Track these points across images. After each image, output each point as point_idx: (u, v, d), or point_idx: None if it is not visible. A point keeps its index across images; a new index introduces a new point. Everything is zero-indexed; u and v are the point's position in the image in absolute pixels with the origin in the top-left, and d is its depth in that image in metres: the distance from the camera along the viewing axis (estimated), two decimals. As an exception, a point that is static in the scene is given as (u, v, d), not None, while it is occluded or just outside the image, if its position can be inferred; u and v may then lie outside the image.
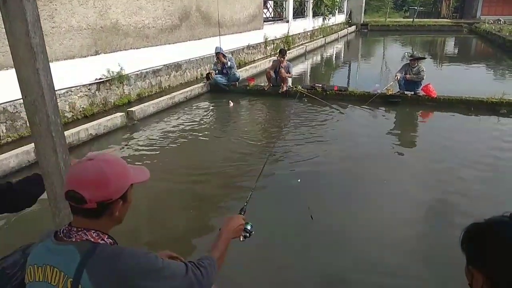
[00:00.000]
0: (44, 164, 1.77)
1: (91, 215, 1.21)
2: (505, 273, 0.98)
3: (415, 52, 8.37)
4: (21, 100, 5.60)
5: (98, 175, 1.18)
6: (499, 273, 0.99)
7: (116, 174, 1.22)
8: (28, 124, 5.94)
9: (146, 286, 1.14)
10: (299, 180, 4.47)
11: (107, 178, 1.19)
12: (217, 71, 9.39)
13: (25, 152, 5.07)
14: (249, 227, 1.62)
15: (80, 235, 1.19)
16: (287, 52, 10.77)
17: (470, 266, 1.07)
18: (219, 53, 9.24)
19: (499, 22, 26.91)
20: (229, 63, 9.28)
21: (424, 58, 8.44)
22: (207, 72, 9.81)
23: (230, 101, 8.54)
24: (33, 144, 5.21)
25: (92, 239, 1.19)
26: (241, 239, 1.61)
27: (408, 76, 8.00)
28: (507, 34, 19.84)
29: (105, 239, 1.22)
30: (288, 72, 9.03)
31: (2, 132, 5.75)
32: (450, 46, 22.69)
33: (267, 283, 2.92)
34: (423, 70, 7.95)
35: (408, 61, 8.18)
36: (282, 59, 9.01)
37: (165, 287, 1.18)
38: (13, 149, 5.09)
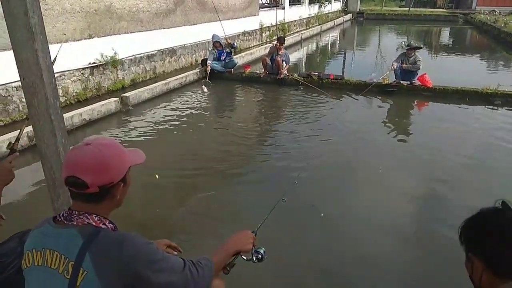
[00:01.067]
0: (43, 148, 1.74)
1: (92, 200, 1.20)
2: (503, 258, 1.00)
3: (412, 42, 8.30)
4: (14, 84, 5.53)
5: (98, 159, 1.17)
6: (497, 258, 1.02)
7: (116, 157, 1.21)
8: (20, 108, 5.88)
9: (145, 274, 1.14)
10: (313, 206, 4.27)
11: (107, 162, 1.18)
12: (213, 59, 9.27)
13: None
14: (262, 251, 1.60)
15: (82, 219, 1.18)
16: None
17: (470, 253, 1.09)
18: (216, 42, 9.12)
19: (495, 13, 26.88)
20: (235, 44, 9.23)
21: (421, 47, 8.42)
22: (202, 58, 9.69)
23: (203, 86, 8.39)
24: (26, 128, 5.14)
25: (94, 223, 1.19)
26: (254, 260, 1.58)
27: (404, 65, 7.99)
28: (502, 25, 19.85)
29: (107, 224, 1.22)
30: (285, 62, 8.95)
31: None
32: (446, 36, 22.68)
33: (264, 269, 2.93)
34: (419, 60, 7.94)
35: (405, 51, 8.14)
36: (280, 46, 8.93)
37: (162, 279, 1.17)
38: (5, 133, 5.01)
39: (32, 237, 1.24)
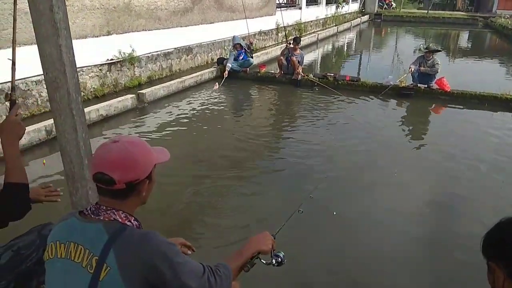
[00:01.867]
0: (63, 142, 1.76)
1: (119, 196, 1.23)
2: None
3: (430, 44, 8.17)
4: (33, 78, 5.61)
5: (125, 156, 1.20)
6: None
7: (142, 154, 1.24)
8: (39, 102, 5.98)
9: (166, 275, 1.15)
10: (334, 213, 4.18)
11: (134, 159, 1.21)
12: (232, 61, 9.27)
13: (36, 130, 5.08)
14: (281, 255, 1.60)
15: (109, 214, 1.21)
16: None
17: (491, 263, 1.07)
18: (237, 44, 9.13)
19: (516, 17, 26.33)
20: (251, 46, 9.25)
21: (440, 50, 8.28)
22: (218, 57, 9.69)
23: (216, 83, 8.50)
24: (44, 122, 5.24)
25: (120, 220, 1.21)
26: (274, 263, 1.58)
27: (422, 68, 7.87)
28: (524, 29, 19.42)
29: (132, 221, 1.24)
30: (300, 63, 8.92)
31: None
32: (464, 40, 22.30)
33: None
34: (438, 63, 7.81)
35: (423, 53, 8.03)
36: (296, 46, 8.90)
37: (180, 282, 1.18)
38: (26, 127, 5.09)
39: (57, 229, 1.26)
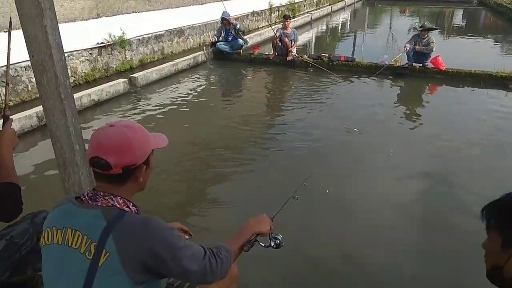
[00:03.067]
0: (53, 127, 1.72)
1: (116, 181, 1.20)
2: None
3: (425, 23, 8.08)
4: (23, 64, 5.49)
5: (122, 140, 1.17)
6: None
7: (139, 139, 1.21)
8: (29, 88, 5.87)
9: (166, 259, 1.14)
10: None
11: (130, 143, 1.18)
12: (220, 38, 9.14)
13: (27, 117, 5.00)
14: (280, 237, 1.60)
15: (107, 200, 1.18)
16: (293, 20, 10.49)
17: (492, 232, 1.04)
18: (224, 19, 8.96)
19: (510, -6, 26.08)
20: (238, 25, 9.03)
21: (435, 28, 8.21)
22: (211, 40, 9.56)
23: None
24: (35, 108, 5.15)
25: (118, 206, 1.19)
26: (273, 245, 1.59)
27: (417, 47, 7.80)
28: (519, 6, 19.28)
29: (130, 207, 1.22)
30: (294, 40, 8.80)
31: (3, 96, 5.64)
32: (459, 18, 22.11)
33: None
34: (433, 42, 7.74)
35: (418, 32, 7.94)
36: (286, 24, 8.74)
37: (181, 266, 1.18)
38: (15, 114, 5.01)
39: (53, 214, 1.24)
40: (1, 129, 1.80)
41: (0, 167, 1.68)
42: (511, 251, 0.99)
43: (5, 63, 1.76)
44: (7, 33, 1.85)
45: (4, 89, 2.02)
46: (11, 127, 1.81)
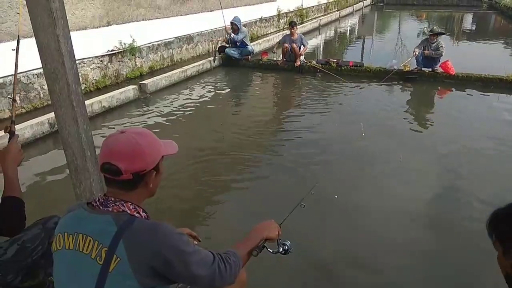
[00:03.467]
0: (65, 134, 1.74)
1: (126, 187, 1.23)
2: None
3: (434, 27, 8.04)
4: (35, 71, 5.59)
5: (132, 146, 1.19)
6: None
7: (149, 145, 1.23)
8: (41, 95, 5.98)
9: (176, 264, 1.16)
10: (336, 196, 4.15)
11: (141, 150, 1.20)
12: (229, 42, 9.18)
13: (39, 123, 5.07)
14: (288, 243, 1.61)
15: (118, 206, 1.20)
16: (301, 25, 10.49)
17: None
18: (232, 23, 9.00)
19: (521, -3, 25.83)
20: (239, 37, 9.03)
21: (444, 33, 8.15)
22: (219, 45, 9.62)
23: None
24: (47, 115, 5.23)
25: (129, 211, 1.21)
26: (281, 251, 1.60)
27: (426, 52, 7.76)
28: (529, 10, 19.06)
29: (141, 212, 1.24)
30: (303, 45, 8.82)
31: (16, 103, 5.73)
32: (468, 22, 21.96)
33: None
34: (442, 46, 7.69)
35: (427, 37, 7.91)
36: (293, 31, 8.76)
37: (190, 271, 1.19)
38: (27, 120, 5.09)
39: (65, 220, 1.26)
40: (7, 144, 1.86)
41: (5, 182, 1.73)
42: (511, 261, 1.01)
43: (20, 70, 1.82)
44: (20, 41, 1.91)
45: (15, 102, 2.08)
46: (16, 142, 1.87)
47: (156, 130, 5.41)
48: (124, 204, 1.21)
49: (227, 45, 9.31)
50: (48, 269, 1.90)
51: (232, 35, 8.98)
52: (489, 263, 1.11)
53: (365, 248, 3.07)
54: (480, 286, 2.68)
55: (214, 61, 9.05)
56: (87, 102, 5.83)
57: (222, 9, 8.62)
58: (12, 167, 1.77)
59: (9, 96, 5.35)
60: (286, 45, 8.84)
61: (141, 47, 8.01)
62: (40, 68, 5.87)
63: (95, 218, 1.19)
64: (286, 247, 1.60)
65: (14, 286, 1.77)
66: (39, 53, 1.62)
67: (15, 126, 1.99)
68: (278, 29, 14.83)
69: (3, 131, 2.07)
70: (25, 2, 1.58)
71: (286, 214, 1.81)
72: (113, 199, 1.22)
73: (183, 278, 1.21)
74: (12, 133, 1.91)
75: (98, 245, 1.14)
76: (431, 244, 3.15)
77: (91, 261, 1.13)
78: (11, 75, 5.52)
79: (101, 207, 1.21)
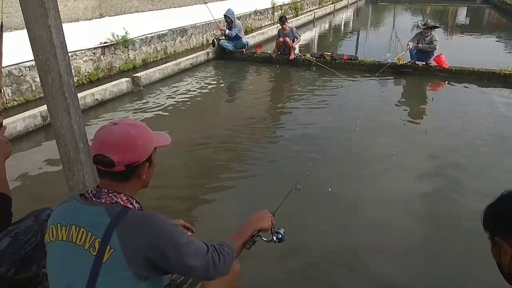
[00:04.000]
0: (57, 126, 1.73)
1: (119, 178, 1.23)
2: None
3: (428, 20, 8.06)
4: (26, 63, 5.54)
5: (125, 138, 1.19)
6: None
7: (142, 137, 1.23)
8: (33, 88, 5.92)
9: (169, 255, 1.16)
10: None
11: (134, 141, 1.20)
12: (225, 34, 9.13)
13: (31, 116, 5.03)
14: (282, 231, 1.62)
15: (111, 197, 1.20)
16: (296, 18, 10.44)
17: (497, 238, 1.05)
18: (226, 16, 8.95)
19: (515, -9, 25.92)
20: (233, 32, 8.98)
21: (438, 26, 8.18)
22: (213, 38, 9.57)
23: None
24: (39, 108, 5.19)
25: (122, 202, 1.21)
26: (275, 240, 1.61)
27: (420, 45, 7.78)
28: (523, 4, 19.15)
29: (134, 204, 1.24)
30: (295, 38, 8.79)
31: (8, 96, 5.69)
32: (462, 16, 22.02)
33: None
34: (436, 40, 7.72)
35: (421, 30, 7.93)
36: (284, 26, 8.74)
37: (184, 262, 1.19)
38: (19, 113, 5.05)
39: (57, 211, 1.26)
40: None
41: None
42: (499, 250, 1.03)
43: (12, 62, 1.78)
44: (12, 33, 1.86)
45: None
46: (3, 134, 1.76)
47: (149, 123, 5.39)
48: (117, 196, 1.21)
49: (221, 38, 9.26)
50: (41, 261, 1.90)
51: (227, 31, 8.93)
52: (488, 259, 1.13)
53: (358, 237, 3.10)
54: (480, 284, 2.71)
55: (214, 53, 9.08)
56: (79, 95, 5.78)
57: (206, 3, 8.45)
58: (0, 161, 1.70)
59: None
60: (281, 38, 8.82)
61: (134, 39, 7.95)
62: (32, 60, 5.84)
63: (88, 209, 1.19)
64: (280, 236, 1.61)
65: (7, 279, 1.77)
66: (30, 44, 1.60)
67: (4, 120, 1.88)
68: (272, 22, 14.77)
69: None
70: (16, -8, 1.56)
71: (278, 204, 1.81)
72: (106, 190, 1.22)
73: (177, 269, 1.22)
74: None
75: (92, 236, 1.14)
76: (423, 233, 3.19)
77: (85, 252, 1.13)
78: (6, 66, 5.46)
79: (94, 199, 1.21)
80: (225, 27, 8.98)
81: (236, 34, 9.02)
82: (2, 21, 1.84)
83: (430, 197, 3.72)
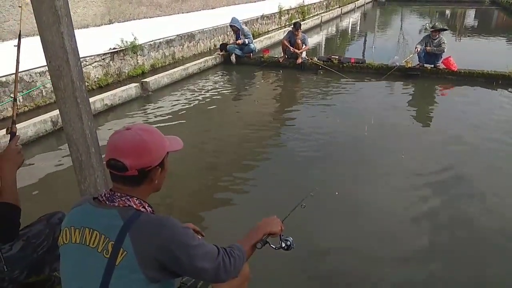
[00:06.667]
0: (69, 131, 1.76)
1: (132, 182, 1.24)
2: None
3: (436, 23, 8.03)
4: (37, 70, 5.61)
5: (138, 143, 1.21)
6: None
7: (155, 142, 1.25)
8: (44, 94, 6.01)
9: (181, 257, 1.17)
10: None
11: (146, 146, 1.22)
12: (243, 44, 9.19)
13: (42, 121, 5.09)
14: (290, 239, 1.63)
15: (124, 201, 1.22)
16: (303, 22, 10.47)
17: None
18: (232, 26, 9.01)
19: (524, -7, 25.70)
20: (247, 40, 9.05)
21: (446, 29, 8.14)
22: (221, 42, 9.61)
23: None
24: (50, 113, 5.25)
25: (135, 206, 1.22)
26: (284, 246, 1.62)
27: (428, 48, 7.75)
28: (532, 5, 18.98)
29: (146, 207, 1.26)
30: (304, 44, 8.82)
31: (19, 102, 5.77)
32: (471, 18, 21.87)
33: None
34: (444, 42, 7.68)
35: (429, 33, 7.89)
36: (296, 32, 8.76)
37: (195, 264, 1.20)
38: (30, 118, 5.11)
39: (71, 214, 1.28)
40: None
41: (1, 186, 1.67)
42: None
43: (23, 69, 1.81)
44: (23, 39, 1.88)
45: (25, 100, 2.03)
46: (16, 144, 1.78)
47: (158, 127, 5.42)
48: (130, 199, 1.23)
49: (230, 44, 9.31)
50: (53, 265, 1.92)
51: (246, 41, 9.03)
52: (497, 259, 1.12)
53: (366, 244, 3.08)
54: (486, 283, 2.68)
55: (230, 59, 9.16)
56: (90, 100, 5.84)
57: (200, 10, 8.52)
58: (11, 170, 1.71)
59: (10, 96, 5.36)
60: (285, 41, 8.83)
61: (142, 45, 8.03)
62: (42, 66, 5.93)
63: (102, 212, 1.21)
64: (289, 243, 1.62)
65: (19, 282, 1.79)
66: (43, 50, 1.63)
67: (16, 126, 1.90)
68: (279, 26, 14.81)
69: (5, 131, 1.93)
70: (28, 0, 1.59)
71: (287, 212, 1.82)
72: (119, 194, 1.23)
73: (188, 271, 1.23)
74: (12, 134, 1.85)
75: (105, 239, 1.15)
76: (434, 241, 3.16)
77: (98, 255, 1.15)
78: (14, 73, 5.54)
79: (107, 202, 1.23)
80: (240, 39, 9.05)
81: (246, 37, 9.10)
82: (20, 31, 1.89)
83: (440, 201, 3.68)
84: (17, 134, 1.84)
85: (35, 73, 5.88)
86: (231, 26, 9.06)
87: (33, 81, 5.90)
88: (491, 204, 3.57)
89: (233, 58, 9.05)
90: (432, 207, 3.58)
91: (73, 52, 1.63)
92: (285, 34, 9.28)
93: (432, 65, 7.92)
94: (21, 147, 1.80)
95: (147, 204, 1.27)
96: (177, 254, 1.16)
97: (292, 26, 8.95)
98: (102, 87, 7.04)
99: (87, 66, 6.83)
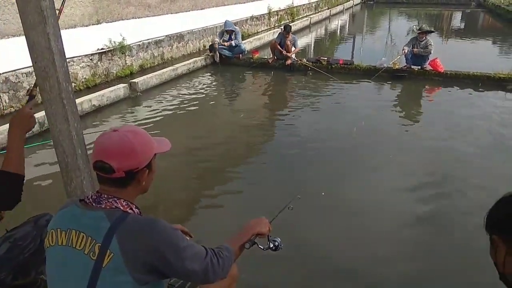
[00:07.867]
0: (55, 133, 1.74)
1: (119, 184, 1.23)
2: None
3: (423, 25, 8.14)
4: (24, 70, 5.55)
5: (124, 144, 1.20)
6: None
7: (142, 143, 1.24)
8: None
9: (169, 259, 1.16)
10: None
11: (133, 148, 1.21)
12: (221, 40, 9.19)
13: (29, 122, 5.02)
14: (278, 240, 1.63)
15: (111, 202, 1.21)
16: (292, 23, 10.50)
17: (494, 236, 1.08)
18: (228, 30, 9.02)
19: (508, -4, 26.14)
20: (238, 40, 9.08)
21: (433, 31, 8.26)
22: (211, 43, 9.59)
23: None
24: (36, 114, 5.17)
25: (122, 208, 1.21)
26: (271, 247, 1.61)
27: (415, 50, 7.85)
28: (516, 8, 19.33)
29: (133, 209, 1.25)
30: (294, 46, 8.86)
31: (5, 102, 5.69)
32: (457, 20, 22.19)
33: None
34: (431, 44, 7.79)
35: (416, 35, 8.00)
36: (287, 35, 8.78)
37: (184, 266, 1.20)
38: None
39: (57, 216, 1.27)
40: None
41: (7, 151, 1.61)
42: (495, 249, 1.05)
43: (9, 69, 1.78)
44: (9, 39, 1.86)
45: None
46: (30, 107, 1.71)
47: (147, 128, 5.40)
48: (117, 201, 1.22)
49: (219, 44, 9.30)
50: (39, 267, 1.90)
51: (233, 43, 9.02)
52: (485, 259, 1.15)
53: (353, 242, 3.11)
54: (478, 284, 2.73)
55: (214, 58, 9.14)
56: (77, 100, 5.75)
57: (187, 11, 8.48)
58: (20, 135, 1.63)
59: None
60: (276, 42, 8.86)
61: (131, 45, 7.97)
62: (28, 67, 5.85)
63: (88, 214, 1.20)
64: (277, 243, 1.62)
65: (6, 284, 1.77)
66: (29, 51, 1.61)
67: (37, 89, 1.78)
68: (269, 27, 14.84)
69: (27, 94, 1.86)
70: (14, 0, 1.57)
71: (275, 214, 1.83)
72: (105, 196, 1.22)
73: (177, 273, 1.22)
74: (31, 97, 1.78)
75: (91, 241, 1.14)
76: (419, 237, 3.21)
77: (84, 257, 1.13)
78: (5, 72, 5.46)
79: (94, 204, 1.22)
80: (229, 40, 9.05)
81: (237, 41, 9.11)
82: None
83: (427, 202, 3.73)
84: (35, 98, 1.79)
85: (22, 73, 5.80)
86: (227, 31, 9.05)
87: (19, 81, 5.82)
88: (482, 203, 3.63)
89: (217, 57, 9.03)
90: (419, 206, 3.63)
91: (59, 53, 1.61)
92: (275, 36, 9.30)
93: (419, 67, 8.02)
94: (33, 112, 1.73)
95: (134, 206, 1.26)
96: (166, 255, 1.15)
97: (283, 28, 8.99)
98: (90, 88, 6.97)
99: (74, 67, 6.76)
